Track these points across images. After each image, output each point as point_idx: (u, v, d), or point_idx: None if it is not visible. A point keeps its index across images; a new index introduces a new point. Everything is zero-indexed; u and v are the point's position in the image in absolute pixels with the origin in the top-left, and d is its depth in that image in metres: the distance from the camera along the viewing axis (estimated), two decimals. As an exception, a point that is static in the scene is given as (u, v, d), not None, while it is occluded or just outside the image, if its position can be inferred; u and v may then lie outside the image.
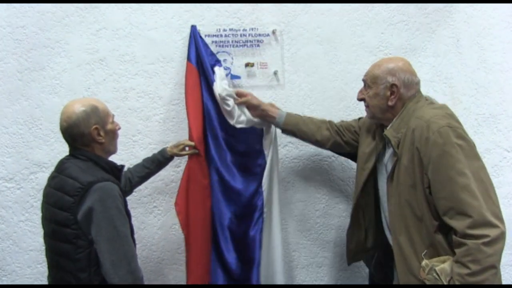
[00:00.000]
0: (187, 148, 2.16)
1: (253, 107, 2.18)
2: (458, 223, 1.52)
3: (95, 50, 2.31)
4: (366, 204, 1.99)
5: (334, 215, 2.54)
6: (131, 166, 2.16)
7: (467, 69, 2.64)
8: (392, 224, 1.75)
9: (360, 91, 1.89)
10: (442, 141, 1.57)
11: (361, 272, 2.58)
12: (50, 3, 2.26)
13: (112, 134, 1.76)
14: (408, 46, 2.59)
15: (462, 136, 1.60)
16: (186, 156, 2.17)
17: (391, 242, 1.84)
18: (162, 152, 2.18)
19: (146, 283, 2.32)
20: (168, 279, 2.38)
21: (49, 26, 2.27)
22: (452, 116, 1.70)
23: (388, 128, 1.78)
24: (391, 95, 1.76)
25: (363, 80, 1.87)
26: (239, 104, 2.18)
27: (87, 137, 1.68)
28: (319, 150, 2.49)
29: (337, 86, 2.52)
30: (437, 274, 1.56)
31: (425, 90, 2.56)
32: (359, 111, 2.52)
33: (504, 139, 2.67)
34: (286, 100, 2.47)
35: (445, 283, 1.54)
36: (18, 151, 2.25)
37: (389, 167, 1.76)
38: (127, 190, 2.08)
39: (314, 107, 2.49)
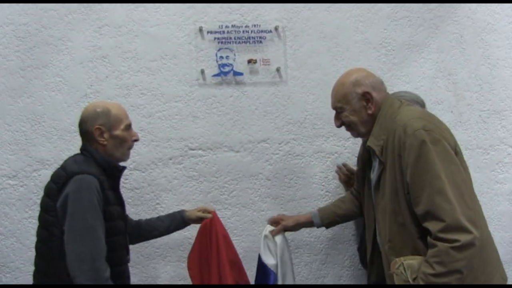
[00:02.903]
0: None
1: (292, 228, 2.12)
2: (432, 227, 1.52)
3: (97, 47, 2.31)
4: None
5: (337, 212, 2.54)
6: (133, 164, 2.17)
7: (471, 65, 2.62)
8: (379, 233, 1.74)
9: (335, 119, 1.85)
10: (417, 144, 1.55)
11: (364, 269, 2.57)
12: (53, 2, 2.27)
13: (120, 141, 1.77)
14: (411, 42, 2.57)
15: (437, 139, 1.57)
16: (191, 156, 2.17)
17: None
18: (181, 212, 2.12)
19: (149, 281, 2.34)
20: (171, 276, 2.37)
21: (52, 23, 2.27)
22: (429, 116, 1.68)
23: (369, 138, 1.74)
24: (367, 104, 1.73)
25: (334, 108, 1.83)
26: (277, 234, 2.05)
27: (90, 135, 1.74)
28: (322, 146, 2.49)
29: (340, 83, 2.51)
30: (404, 268, 1.55)
31: (428, 86, 2.58)
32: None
33: (509, 135, 2.65)
34: (289, 97, 2.47)
35: (409, 279, 1.54)
36: (21, 148, 2.26)
37: (376, 177, 1.73)
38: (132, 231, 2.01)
39: (317, 104, 2.49)
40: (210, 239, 2.00)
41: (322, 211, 2.14)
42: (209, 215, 2.04)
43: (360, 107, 1.74)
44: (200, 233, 2.05)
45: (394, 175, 1.63)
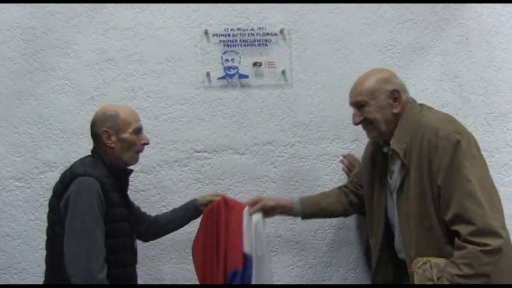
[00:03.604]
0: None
1: (272, 208, 2.01)
2: (462, 229, 1.52)
3: (103, 50, 2.32)
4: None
5: (342, 214, 2.54)
6: (139, 166, 2.18)
7: (476, 68, 2.62)
8: (404, 239, 1.71)
9: (355, 115, 1.79)
10: (450, 148, 1.55)
11: (370, 272, 2.57)
12: (59, 2, 2.29)
13: (127, 144, 1.79)
14: (417, 44, 2.57)
15: (469, 143, 1.58)
16: (197, 158, 2.20)
17: (399, 256, 1.80)
18: (192, 200, 2.13)
19: (154, 282, 2.34)
20: (176, 278, 2.38)
21: (58, 26, 2.29)
22: (455, 119, 1.69)
23: (392, 141, 1.72)
24: (394, 102, 1.72)
25: (356, 102, 1.78)
26: (255, 212, 1.94)
27: (99, 137, 1.79)
28: (328, 149, 2.49)
29: (346, 85, 2.46)
30: (431, 266, 1.55)
31: (433, 88, 2.58)
32: (368, 110, 2.52)
33: (515, 138, 2.65)
34: (294, 99, 2.47)
35: (434, 277, 1.54)
36: (28, 151, 2.27)
37: (399, 180, 1.71)
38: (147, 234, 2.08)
39: (322, 106, 2.49)
40: (218, 223, 1.96)
41: (305, 200, 2.06)
42: (219, 198, 2.02)
43: (386, 104, 1.71)
44: (205, 216, 2.01)
45: (421, 178, 1.61)
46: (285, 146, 2.47)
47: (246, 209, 1.96)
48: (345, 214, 2.14)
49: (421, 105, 1.78)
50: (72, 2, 2.30)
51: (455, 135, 1.57)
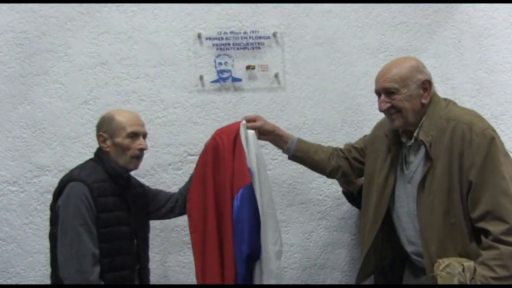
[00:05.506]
0: None
1: (267, 132, 1.96)
2: (493, 228, 1.48)
3: (97, 54, 2.33)
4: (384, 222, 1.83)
5: (336, 216, 2.55)
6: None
7: (468, 70, 2.64)
8: (423, 233, 1.65)
9: (383, 101, 1.68)
10: (486, 144, 1.52)
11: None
12: (53, 2, 2.30)
13: (121, 149, 1.79)
14: (409, 47, 2.59)
15: (501, 140, 1.57)
16: (190, 162, 2.22)
17: (408, 249, 1.76)
18: None
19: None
20: (171, 281, 2.38)
21: (52, 30, 2.30)
22: (483, 117, 1.67)
23: (418, 132, 1.67)
24: (424, 92, 1.66)
25: (385, 88, 1.67)
26: (252, 128, 1.92)
27: (98, 140, 1.82)
28: (321, 152, 2.49)
29: (338, 88, 2.53)
30: (464, 269, 1.50)
31: (426, 91, 2.59)
32: (360, 113, 2.53)
33: (507, 140, 2.65)
34: (287, 102, 2.48)
35: (467, 281, 1.49)
36: (22, 155, 2.27)
37: (419, 173, 1.67)
38: (176, 209, 2.04)
39: (315, 109, 2.50)
40: (213, 159, 1.91)
41: (301, 143, 2.00)
42: None
43: (416, 94, 1.65)
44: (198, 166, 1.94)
45: (449, 173, 1.58)
46: (278, 149, 2.46)
47: (243, 122, 1.91)
48: (329, 175, 2.06)
49: (445, 99, 1.74)
50: (66, 2, 2.30)
51: (489, 131, 1.55)
